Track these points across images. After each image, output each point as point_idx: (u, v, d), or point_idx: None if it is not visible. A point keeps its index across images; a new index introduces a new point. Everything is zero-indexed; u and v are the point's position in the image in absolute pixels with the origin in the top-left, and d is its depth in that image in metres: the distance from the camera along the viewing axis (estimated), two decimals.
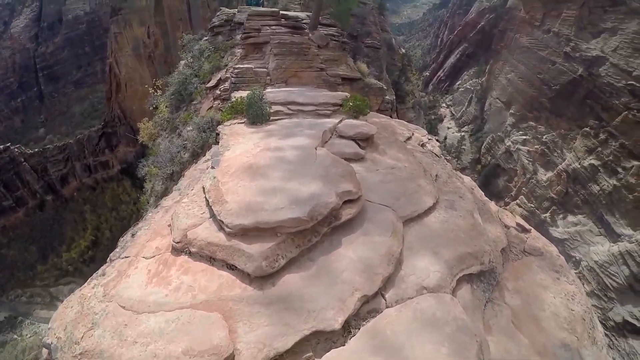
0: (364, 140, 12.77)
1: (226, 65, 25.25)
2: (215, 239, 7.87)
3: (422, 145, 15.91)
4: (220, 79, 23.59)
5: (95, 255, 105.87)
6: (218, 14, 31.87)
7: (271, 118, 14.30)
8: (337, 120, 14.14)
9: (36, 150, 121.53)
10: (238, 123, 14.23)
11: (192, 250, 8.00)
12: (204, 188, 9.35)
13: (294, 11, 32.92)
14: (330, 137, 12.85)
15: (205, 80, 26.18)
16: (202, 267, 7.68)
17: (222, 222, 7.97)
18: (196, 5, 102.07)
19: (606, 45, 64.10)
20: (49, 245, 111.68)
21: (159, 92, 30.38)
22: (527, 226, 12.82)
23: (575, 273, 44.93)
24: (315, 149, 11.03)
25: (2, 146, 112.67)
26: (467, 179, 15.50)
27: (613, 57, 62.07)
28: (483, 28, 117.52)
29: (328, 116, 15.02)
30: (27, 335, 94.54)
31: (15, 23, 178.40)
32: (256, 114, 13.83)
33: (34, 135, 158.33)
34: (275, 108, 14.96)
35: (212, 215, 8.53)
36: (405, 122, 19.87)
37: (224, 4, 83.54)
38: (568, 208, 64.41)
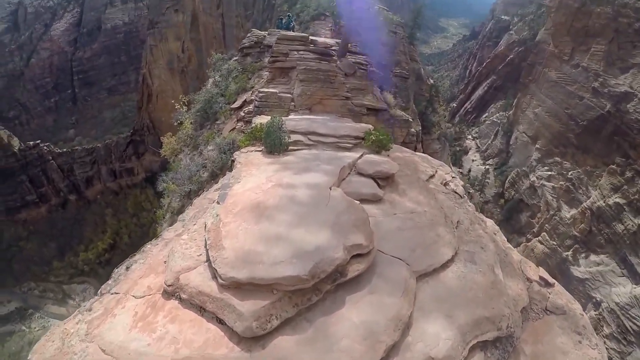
0: (384, 179, 12.22)
1: (252, 87, 25.15)
2: (207, 288, 7.28)
3: (445, 184, 15.25)
4: (245, 100, 23.43)
5: (111, 259, 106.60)
6: (248, 35, 31.96)
7: (290, 148, 13.84)
8: (357, 155, 13.61)
9: (65, 150, 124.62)
10: (255, 150, 13.83)
11: (183, 296, 7.45)
12: (205, 225, 8.88)
13: (324, 37, 32.85)
14: (349, 173, 12.34)
15: (231, 100, 26.08)
16: (190, 316, 7.12)
17: (216, 271, 7.36)
18: (231, 25, 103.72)
19: (635, 80, 63.60)
20: (68, 243, 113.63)
21: (185, 108, 30.51)
22: (550, 280, 11.99)
23: (595, 314, 43.83)
24: (330, 188, 10.47)
25: (32, 142, 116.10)
26: (489, 222, 14.77)
27: None
28: (512, 61, 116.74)
29: (349, 149, 14.48)
30: (35, 328, 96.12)
31: (56, 26, 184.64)
32: (274, 144, 13.41)
33: (63, 136, 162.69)
34: (295, 137, 14.52)
35: (208, 260, 7.94)
36: (430, 158, 19.24)
37: (257, 25, 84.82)
38: (591, 247, 62.85)
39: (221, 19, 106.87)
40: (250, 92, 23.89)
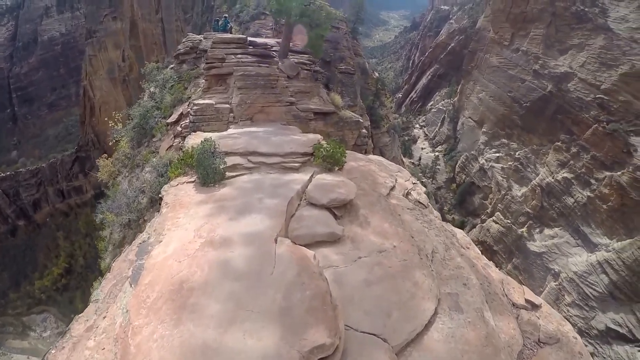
0: (341, 207, 10.12)
1: (189, 97, 22.40)
2: None
3: (408, 194, 13.42)
4: (181, 113, 20.69)
5: (68, 284, 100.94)
6: (184, 40, 29.11)
7: (227, 175, 11.50)
8: (307, 178, 11.45)
9: (8, 173, 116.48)
10: (187, 182, 11.39)
11: None
12: (115, 327, 6.50)
13: (265, 37, 30.30)
14: (298, 205, 10.17)
15: (167, 114, 23.26)
16: None
17: None
18: (171, 30, 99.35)
19: (574, 61, 64.32)
20: (21, 272, 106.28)
21: (120, 125, 27.47)
22: (537, 301, 10.56)
23: (555, 285, 43.78)
24: (276, 240, 8.17)
25: None
26: (459, 234, 13.05)
27: (581, 72, 62.22)
28: (453, 49, 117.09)
29: (296, 170, 12.30)
30: None
31: None
32: (206, 174, 11.06)
33: (6, 158, 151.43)
34: (233, 160, 12.15)
35: None
36: (386, 163, 17.28)
37: (197, 29, 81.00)
38: (544, 222, 63.34)
39: (161, 24, 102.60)
40: (187, 103, 21.18)
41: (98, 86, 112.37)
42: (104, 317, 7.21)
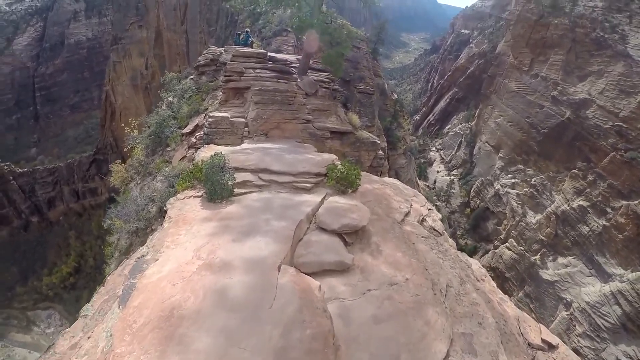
0: (353, 233, 9.65)
1: (206, 109, 22.27)
2: None
3: (423, 220, 12.93)
4: (197, 125, 20.51)
5: (76, 283, 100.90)
6: (204, 52, 29.17)
7: (236, 192, 11.14)
8: (318, 200, 11.02)
9: (26, 170, 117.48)
10: (195, 196, 11.04)
11: None
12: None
13: (286, 54, 30.25)
14: (307, 229, 9.70)
15: (183, 124, 23.14)
16: None
17: None
18: (194, 41, 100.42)
19: (593, 87, 64.12)
20: (31, 267, 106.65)
21: (136, 131, 27.43)
22: (553, 341, 9.98)
23: (567, 315, 42.98)
24: (279, 268, 7.70)
25: None
26: (474, 265, 12.51)
27: (599, 100, 61.95)
28: (473, 73, 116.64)
29: (308, 190, 11.89)
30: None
31: (18, 41, 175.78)
32: (214, 190, 10.72)
33: (25, 155, 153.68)
34: (243, 176, 11.82)
35: None
36: (402, 186, 16.82)
37: (220, 42, 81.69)
38: (558, 250, 62.48)
39: (185, 35, 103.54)
40: (203, 115, 21.02)
41: (120, 92, 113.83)
42: (89, 337, 6.82)
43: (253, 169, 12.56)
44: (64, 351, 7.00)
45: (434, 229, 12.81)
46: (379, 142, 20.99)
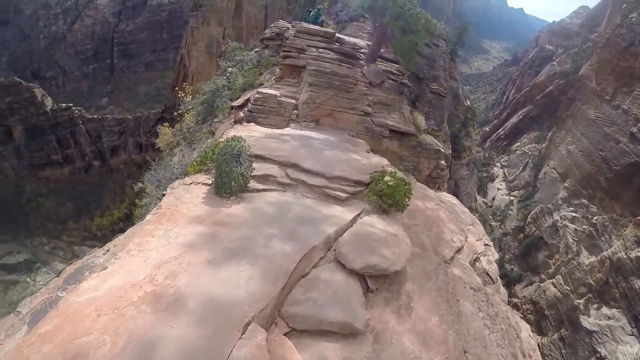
0: (380, 277, 7.24)
1: (261, 84, 20.40)
2: None
3: (476, 260, 10.65)
4: (248, 99, 18.69)
5: (125, 228, 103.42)
6: (271, 25, 27.36)
7: (252, 186, 9.02)
8: (349, 217, 8.63)
9: (95, 116, 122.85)
10: (203, 184, 9.05)
11: None
12: None
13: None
14: (320, 260, 7.31)
15: (235, 97, 21.46)
16: None
17: None
18: (273, 17, 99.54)
19: None
20: (85, 206, 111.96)
21: (189, 97, 26.32)
22: None
23: None
24: (244, 329, 5.27)
25: (64, 105, 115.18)
26: (524, 333, 10.08)
27: None
28: (551, 93, 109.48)
29: (341, 202, 9.47)
30: (39, 281, 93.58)
31: None
32: (222, 183, 8.61)
33: (97, 103, 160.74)
34: (267, 169, 9.68)
35: None
36: (459, 208, 14.23)
37: (297, 18, 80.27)
38: (604, 299, 58.16)
39: (264, 10, 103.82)
40: (256, 90, 19.13)
41: (195, 57, 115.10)
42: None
43: (281, 161, 10.32)
44: None
45: (487, 274, 10.57)
46: (442, 149, 18.19)
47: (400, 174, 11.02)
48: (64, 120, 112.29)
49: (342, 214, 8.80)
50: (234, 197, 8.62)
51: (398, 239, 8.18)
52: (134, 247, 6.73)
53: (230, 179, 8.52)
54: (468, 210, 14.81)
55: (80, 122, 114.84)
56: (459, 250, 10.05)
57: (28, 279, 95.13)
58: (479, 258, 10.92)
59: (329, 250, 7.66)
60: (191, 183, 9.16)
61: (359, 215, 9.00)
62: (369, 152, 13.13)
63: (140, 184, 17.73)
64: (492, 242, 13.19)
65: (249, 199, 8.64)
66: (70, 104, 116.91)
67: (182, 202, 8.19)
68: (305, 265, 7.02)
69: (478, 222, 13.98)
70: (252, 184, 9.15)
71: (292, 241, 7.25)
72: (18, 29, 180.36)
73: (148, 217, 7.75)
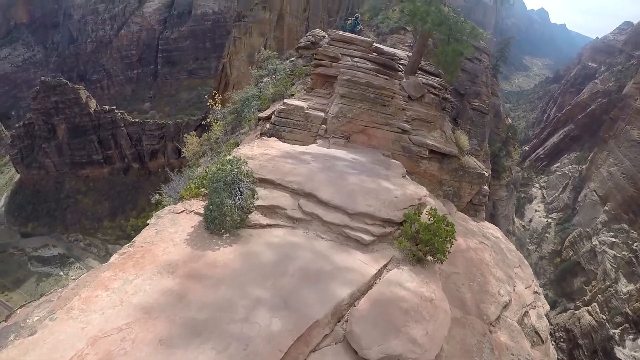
0: None
1: (292, 94, 18.83)
2: None
3: (524, 315, 8.82)
4: (276, 110, 17.21)
5: None
6: (307, 34, 25.85)
7: (254, 220, 7.26)
8: (372, 271, 6.68)
9: (137, 120, 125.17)
10: (196, 212, 7.44)
11: None
12: None
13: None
14: (324, 338, 5.35)
15: (263, 107, 19.96)
16: None
17: None
18: (314, 30, 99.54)
19: None
20: (121, 207, 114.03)
21: (219, 106, 25.09)
22: None
23: None
24: None
25: (108, 107, 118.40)
26: None
27: None
28: (593, 112, 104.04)
29: (364, 246, 7.52)
30: (71, 276, 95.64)
31: (149, 4, 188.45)
32: (212, 217, 6.90)
33: (139, 107, 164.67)
34: (275, 198, 7.91)
35: None
36: (504, 244, 12.22)
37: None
38: None
39: (306, 23, 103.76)
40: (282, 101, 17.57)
41: (236, 66, 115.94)
42: None
43: (294, 189, 8.43)
44: None
45: (537, 333, 8.72)
46: (487, 174, 16.05)
47: (440, 206, 9.05)
48: (106, 122, 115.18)
49: (363, 265, 6.81)
50: (227, 234, 6.88)
51: (434, 307, 6.14)
52: (78, 305, 5.13)
53: (221, 213, 6.78)
54: (514, 247, 12.70)
55: (122, 124, 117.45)
56: (506, 305, 8.13)
57: (61, 273, 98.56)
58: (527, 312, 9.01)
59: (338, 321, 5.64)
60: (182, 211, 7.56)
61: (385, 266, 7.01)
62: (404, 177, 11.22)
63: (157, 196, 16.29)
64: (540, 290, 11.13)
65: (246, 239, 6.86)
66: (114, 107, 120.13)
67: (161, 238, 6.58)
68: (299, 352, 4.97)
69: (525, 262, 11.91)
70: (255, 216, 7.34)
71: (285, 312, 5.27)
72: (67, 32, 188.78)
73: (113, 258, 6.17)
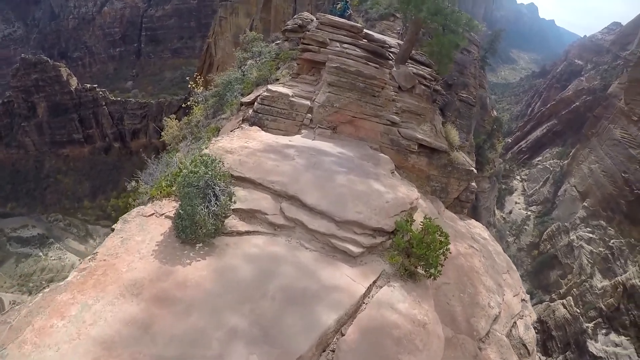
0: None
1: (277, 79, 18.02)
2: None
3: (513, 327, 8.64)
4: (259, 96, 16.41)
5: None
6: (295, 16, 24.93)
7: (230, 227, 6.52)
8: (361, 290, 6.06)
9: (119, 99, 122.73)
10: (167, 216, 6.64)
11: None
12: None
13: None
14: None
15: (246, 92, 19.10)
16: None
17: None
18: (302, 11, 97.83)
19: None
20: (102, 187, 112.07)
21: (201, 88, 24.14)
22: None
23: None
24: None
25: (89, 85, 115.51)
26: None
27: None
28: (577, 108, 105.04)
29: (352, 260, 6.86)
30: (51, 257, 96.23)
31: None
32: (183, 226, 6.09)
33: (121, 85, 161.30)
34: (255, 201, 7.20)
35: None
36: (492, 247, 11.83)
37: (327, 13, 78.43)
38: (614, 325, 56.76)
39: (293, 4, 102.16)
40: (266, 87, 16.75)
41: (221, 46, 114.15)
42: None
43: (277, 190, 7.71)
44: None
45: (524, 345, 8.55)
46: (475, 171, 15.56)
47: (430, 207, 8.48)
48: (87, 101, 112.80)
49: (351, 283, 6.14)
50: (200, 244, 6.11)
51: (427, 334, 5.57)
52: (31, 337, 4.42)
53: (193, 222, 5.98)
54: (501, 249, 12.29)
55: (104, 103, 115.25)
56: (496, 318, 7.75)
57: (40, 253, 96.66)
58: (515, 323, 8.75)
59: (323, 351, 4.99)
60: (152, 214, 6.70)
61: (375, 282, 6.36)
62: (393, 174, 10.63)
63: (133, 183, 15.33)
64: (528, 297, 10.82)
65: (221, 250, 6.07)
66: (95, 85, 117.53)
67: (126, 249, 5.77)
68: None
69: (513, 266, 11.58)
70: (233, 221, 6.60)
71: (265, 346, 4.60)
72: (48, 8, 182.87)
73: (72, 275, 5.32)
